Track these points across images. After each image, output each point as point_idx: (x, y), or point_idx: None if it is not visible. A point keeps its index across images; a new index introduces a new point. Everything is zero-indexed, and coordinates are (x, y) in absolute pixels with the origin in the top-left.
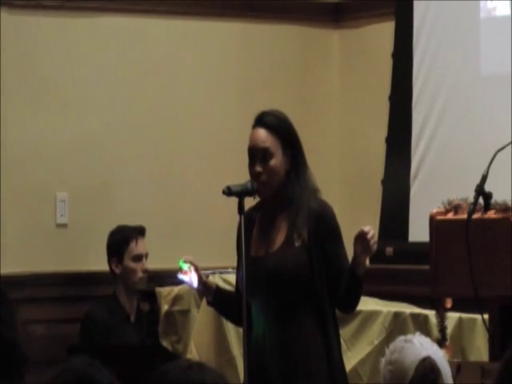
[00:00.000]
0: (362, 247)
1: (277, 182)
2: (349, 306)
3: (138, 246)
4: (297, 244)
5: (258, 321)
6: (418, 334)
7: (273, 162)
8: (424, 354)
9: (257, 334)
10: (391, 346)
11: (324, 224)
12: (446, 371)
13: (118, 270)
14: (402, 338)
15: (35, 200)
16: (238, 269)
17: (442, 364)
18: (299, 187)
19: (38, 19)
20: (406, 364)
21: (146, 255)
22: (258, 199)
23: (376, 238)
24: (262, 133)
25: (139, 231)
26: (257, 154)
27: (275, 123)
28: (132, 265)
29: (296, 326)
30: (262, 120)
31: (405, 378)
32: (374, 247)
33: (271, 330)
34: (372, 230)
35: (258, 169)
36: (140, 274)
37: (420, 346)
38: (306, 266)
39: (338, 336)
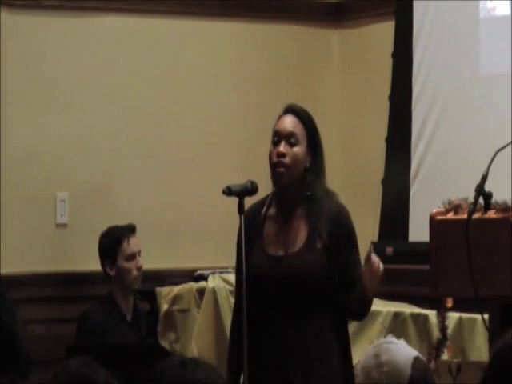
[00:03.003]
0: (371, 277)
1: (296, 172)
2: (358, 316)
3: (130, 245)
4: (318, 245)
5: (273, 321)
6: (389, 335)
7: (297, 149)
8: (414, 353)
9: (271, 334)
10: (370, 352)
11: (342, 227)
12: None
13: (112, 272)
14: (379, 342)
15: (35, 200)
16: (239, 269)
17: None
18: (320, 187)
19: (38, 19)
20: (401, 363)
21: (139, 252)
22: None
23: (381, 269)
24: (292, 119)
25: (130, 230)
26: (283, 137)
27: (306, 116)
28: (126, 265)
29: (313, 328)
30: (293, 109)
31: (403, 377)
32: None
33: (288, 331)
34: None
35: (283, 149)
36: (135, 273)
37: (406, 346)
38: (327, 268)
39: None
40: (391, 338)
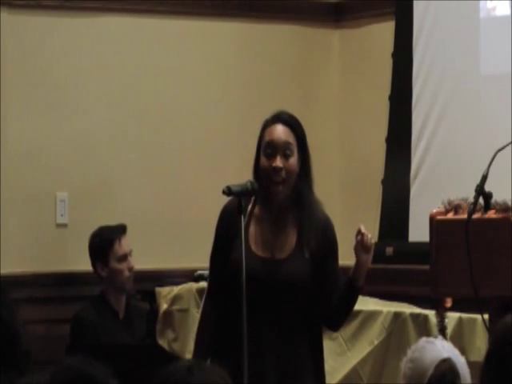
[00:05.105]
0: (364, 250)
1: (292, 182)
2: (338, 322)
3: (122, 246)
4: (306, 255)
5: (250, 322)
6: (440, 337)
7: (292, 160)
8: (445, 354)
9: (250, 335)
10: (413, 346)
11: (328, 238)
12: (466, 376)
13: (104, 273)
14: (424, 338)
15: (35, 200)
16: (221, 256)
17: (462, 368)
18: (310, 193)
19: (38, 19)
20: (426, 362)
21: (130, 252)
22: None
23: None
24: (284, 129)
25: (121, 230)
26: (279, 149)
27: (295, 124)
28: (118, 266)
29: (287, 332)
30: (282, 118)
31: (424, 375)
32: (372, 245)
33: (263, 331)
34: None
35: (280, 164)
36: (127, 273)
37: (441, 348)
38: (311, 278)
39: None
40: (433, 338)
